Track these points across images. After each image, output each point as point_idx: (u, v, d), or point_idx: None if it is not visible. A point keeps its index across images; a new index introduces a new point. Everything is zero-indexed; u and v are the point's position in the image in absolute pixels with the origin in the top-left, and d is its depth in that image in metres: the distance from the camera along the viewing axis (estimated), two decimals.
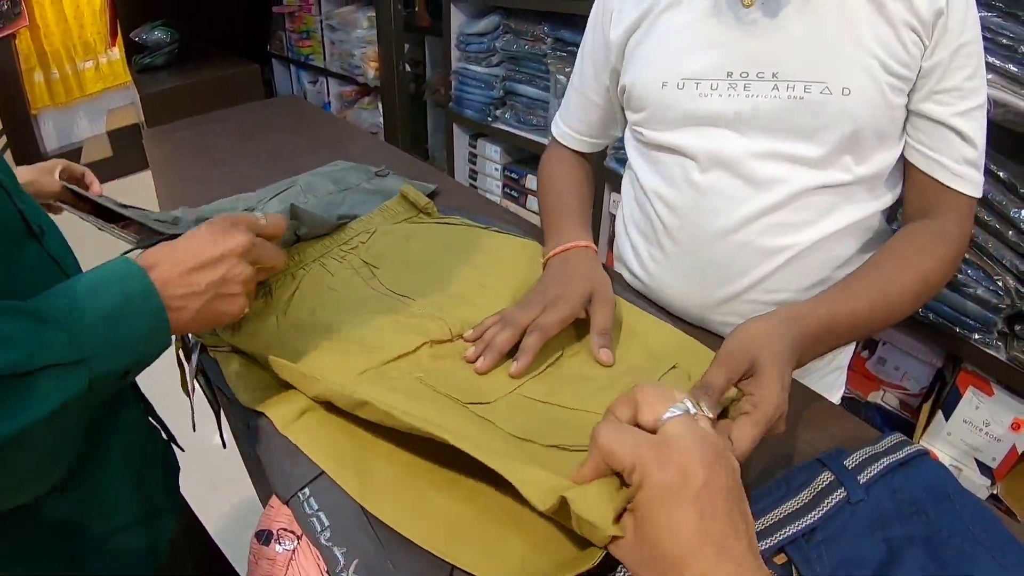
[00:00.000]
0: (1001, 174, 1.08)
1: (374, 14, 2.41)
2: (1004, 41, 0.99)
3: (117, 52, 4.30)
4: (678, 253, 0.76)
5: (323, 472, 0.49)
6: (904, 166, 0.71)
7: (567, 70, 1.71)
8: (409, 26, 2.39)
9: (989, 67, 0.99)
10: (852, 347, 0.85)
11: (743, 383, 0.50)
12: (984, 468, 1.50)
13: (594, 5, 0.82)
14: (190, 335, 0.63)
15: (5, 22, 3.94)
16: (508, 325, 0.63)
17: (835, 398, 0.84)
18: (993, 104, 1.01)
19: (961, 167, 0.67)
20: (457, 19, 2.08)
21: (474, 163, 2.19)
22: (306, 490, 0.48)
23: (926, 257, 0.65)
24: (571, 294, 0.66)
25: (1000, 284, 1.17)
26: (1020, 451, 1.38)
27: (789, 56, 0.67)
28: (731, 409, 0.50)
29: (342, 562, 0.43)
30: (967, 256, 1.19)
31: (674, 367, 0.62)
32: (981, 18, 0.66)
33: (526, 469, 0.40)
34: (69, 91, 4.49)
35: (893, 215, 0.77)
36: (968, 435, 1.43)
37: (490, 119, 2.01)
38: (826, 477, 0.53)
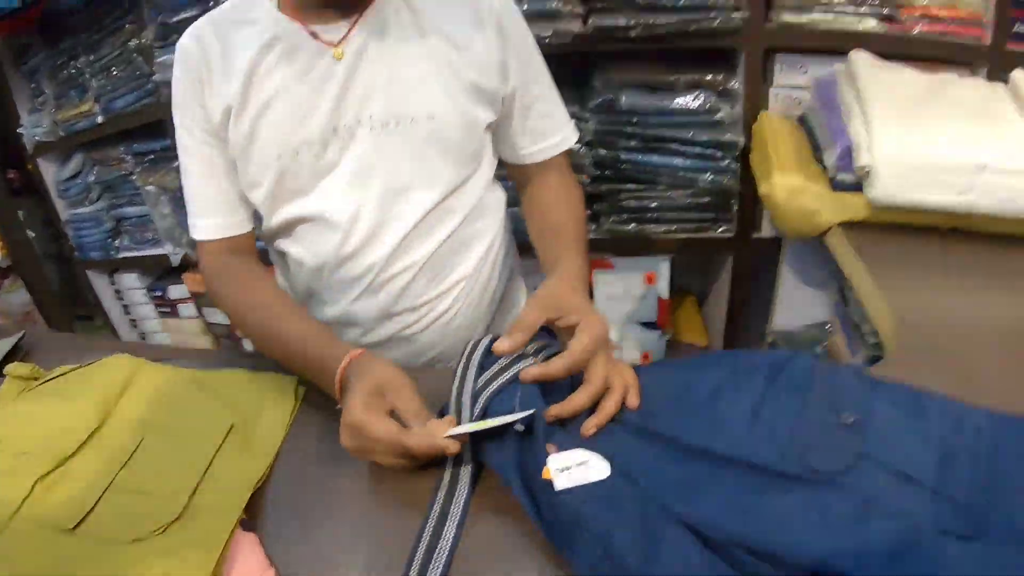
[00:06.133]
0: None
1: None
2: None
3: None
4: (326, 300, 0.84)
5: None
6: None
7: (151, 179, 1.76)
8: (17, 191, 2.23)
9: None
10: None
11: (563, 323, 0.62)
12: (650, 326, 1.62)
13: (175, 94, 0.75)
14: None
15: None
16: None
17: None
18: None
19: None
20: (49, 171, 2.02)
21: (122, 297, 2.15)
22: None
23: (571, 197, 0.86)
24: (363, 422, 0.56)
25: None
26: (666, 297, 1.55)
27: (379, 97, 0.72)
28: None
29: None
30: None
31: (233, 426, 0.68)
32: None
33: None
34: None
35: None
36: (619, 307, 1.56)
37: (114, 253, 1.99)
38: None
